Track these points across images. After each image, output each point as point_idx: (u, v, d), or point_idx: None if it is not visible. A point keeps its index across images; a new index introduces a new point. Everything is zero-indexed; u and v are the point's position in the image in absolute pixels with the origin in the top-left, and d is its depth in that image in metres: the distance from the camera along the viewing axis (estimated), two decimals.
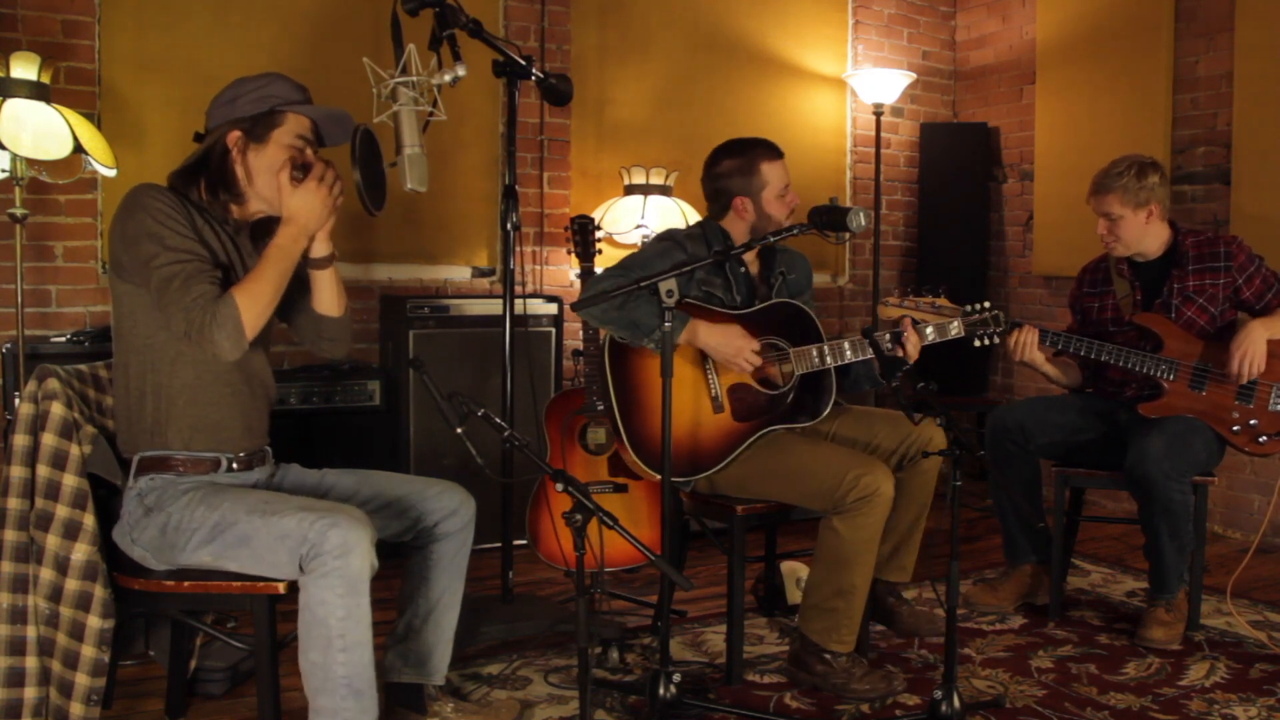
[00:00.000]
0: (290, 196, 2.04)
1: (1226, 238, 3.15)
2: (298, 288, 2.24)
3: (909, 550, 2.87)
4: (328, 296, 2.26)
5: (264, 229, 2.17)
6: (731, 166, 2.83)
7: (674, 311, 2.54)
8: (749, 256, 2.88)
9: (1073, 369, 3.32)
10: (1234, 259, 3.10)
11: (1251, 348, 2.99)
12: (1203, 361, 3.07)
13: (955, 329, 2.88)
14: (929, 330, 2.84)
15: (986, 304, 2.93)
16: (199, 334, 1.95)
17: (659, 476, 2.60)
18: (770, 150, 2.83)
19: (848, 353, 2.75)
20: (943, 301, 2.93)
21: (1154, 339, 3.12)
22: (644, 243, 4.02)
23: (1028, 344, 3.06)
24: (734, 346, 2.64)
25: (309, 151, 2.13)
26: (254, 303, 1.98)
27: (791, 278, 2.94)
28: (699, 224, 2.92)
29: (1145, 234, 3.13)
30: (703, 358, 2.72)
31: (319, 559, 1.87)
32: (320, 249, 2.18)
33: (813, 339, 2.79)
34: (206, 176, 2.10)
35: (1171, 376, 3.07)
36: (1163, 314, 3.13)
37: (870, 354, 2.73)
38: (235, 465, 2.13)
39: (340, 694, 1.90)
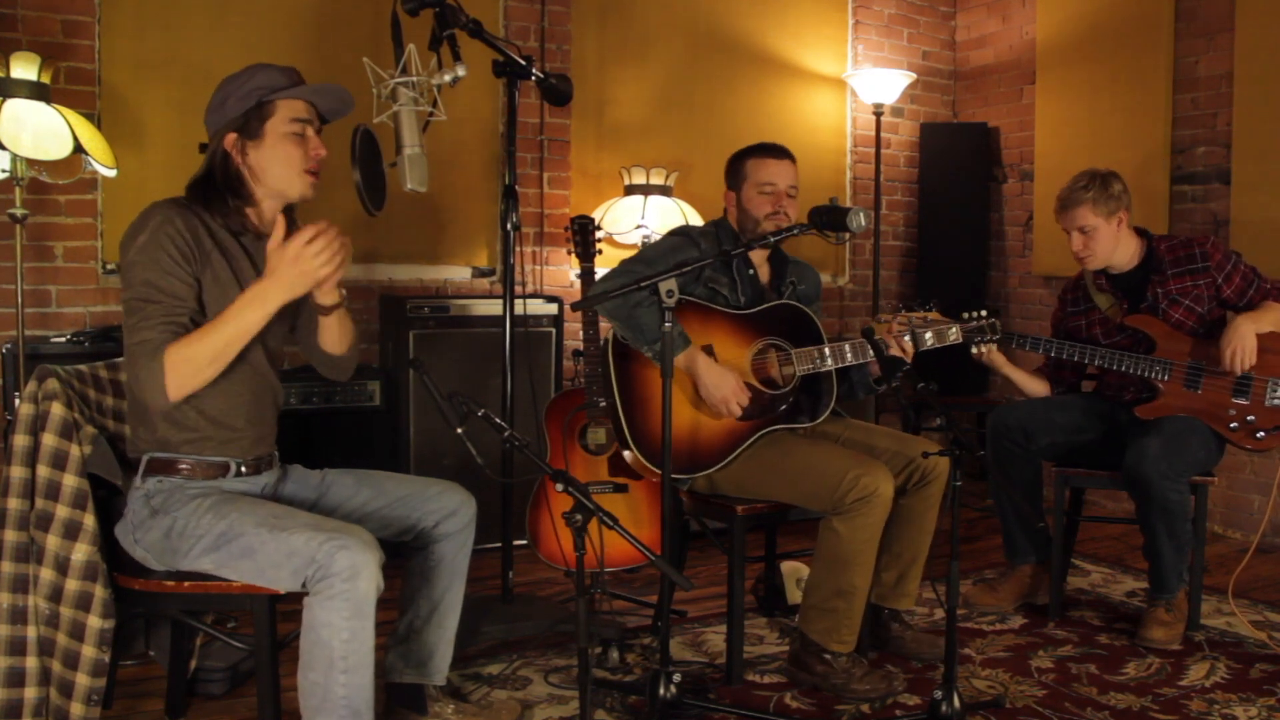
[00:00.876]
0: (273, 251, 1.96)
1: (1200, 239, 3.16)
2: (308, 319, 2.25)
3: (913, 578, 2.87)
4: (332, 338, 2.24)
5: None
6: (729, 163, 2.93)
7: (677, 322, 2.57)
8: (759, 261, 2.91)
9: (1041, 384, 3.35)
10: (1210, 258, 3.10)
11: (1240, 341, 2.99)
12: (1196, 360, 3.07)
13: (954, 335, 2.92)
14: (927, 336, 2.85)
15: (983, 312, 2.96)
16: (131, 378, 1.93)
17: (659, 473, 2.61)
18: (764, 150, 2.88)
19: (848, 355, 2.76)
20: (934, 315, 2.95)
21: (1147, 341, 3.12)
22: (644, 242, 4.03)
23: (989, 350, 3.08)
24: (721, 394, 2.65)
25: (310, 132, 2.10)
26: (184, 365, 1.91)
27: (801, 289, 2.97)
28: (713, 222, 2.95)
29: (1117, 243, 3.15)
30: (707, 355, 2.72)
31: (326, 581, 1.86)
32: (326, 298, 2.15)
33: (814, 342, 2.80)
34: (215, 186, 2.08)
35: (1166, 376, 3.08)
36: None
37: (868, 358, 2.75)
38: (244, 469, 2.13)
39: (339, 714, 1.90)
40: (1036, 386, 3.35)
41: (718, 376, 2.65)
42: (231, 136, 2.07)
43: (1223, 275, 3.10)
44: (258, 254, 2.12)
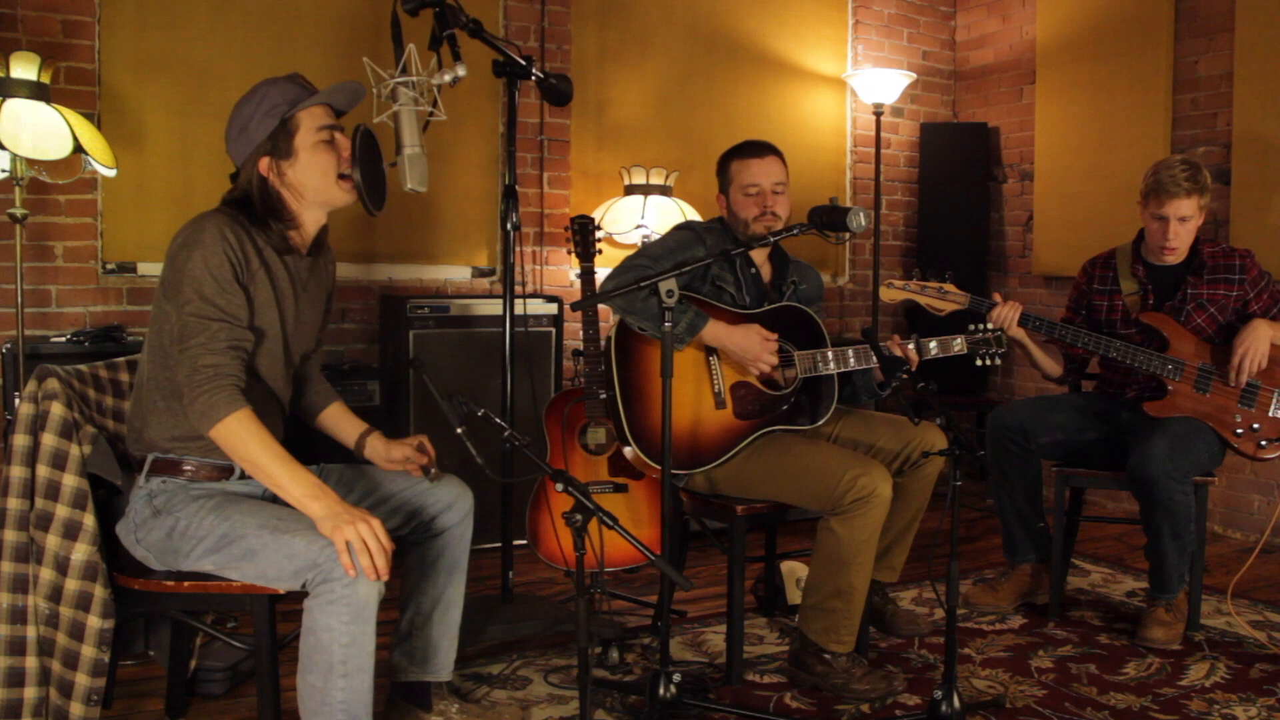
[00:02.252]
0: (334, 520, 1.89)
1: (1241, 251, 3.16)
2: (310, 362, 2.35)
3: (900, 551, 2.89)
4: (331, 433, 2.38)
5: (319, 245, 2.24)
6: (718, 165, 2.92)
7: (684, 309, 2.57)
8: (761, 260, 2.91)
9: (1055, 353, 3.32)
10: (1248, 272, 3.11)
11: (1254, 345, 2.99)
12: (1208, 364, 3.07)
13: (959, 346, 2.90)
14: (932, 345, 2.86)
15: (988, 325, 2.93)
16: (190, 396, 1.93)
17: (658, 468, 2.61)
18: (746, 150, 2.86)
19: (851, 359, 2.76)
20: (949, 287, 2.92)
21: (1159, 339, 3.12)
22: (644, 242, 4.03)
23: (1010, 318, 3.03)
24: (753, 352, 2.67)
25: (338, 136, 2.12)
26: (233, 438, 1.92)
27: (803, 288, 2.97)
28: (717, 218, 2.96)
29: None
30: (708, 353, 2.73)
31: (327, 584, 1.86)
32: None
33: (817, 344, 2.80)
34: (255, 211, 2.08)
35: (1177, 377, 3.07)
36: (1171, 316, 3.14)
37: (870, 363, 2.75)
38: (246, 473, 2.12)
39: (337, 719, 1.89)
40: (1050, 363, 3.32)
41: (740, 338, 2.68)
42: (265, 160, 2.07)
43: (1255, 291, 3.11)
44: (298, 273, 2.15)
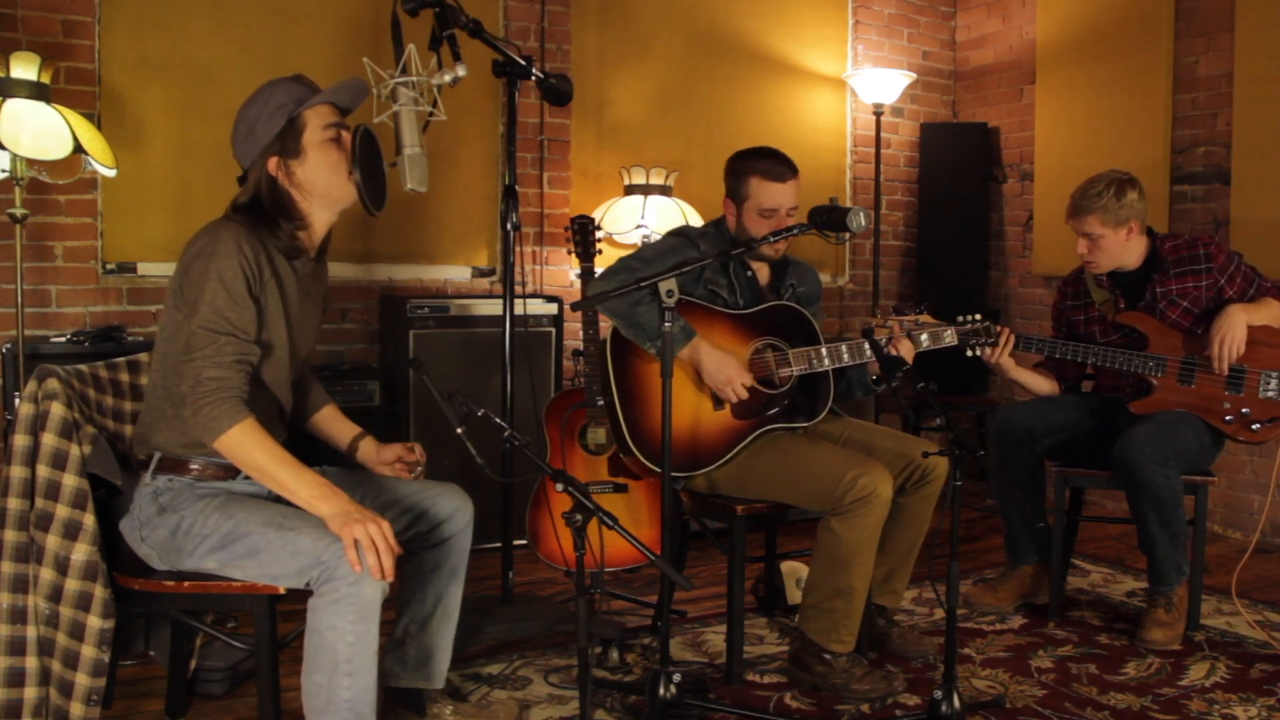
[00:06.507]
0: (344, 519, 1.89)
1: (1204, 239, 3.15)
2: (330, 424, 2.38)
3: (901, 576, 2.88)
4: (324, 435, 2.40)
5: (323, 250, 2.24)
6: (733, 168, 2.85)
7: (678, 318, 2.56)
8: (758, 264, 2.89)
9: (1049, 382, 3.33)
10: (1214, 260, 3.10)
11: (1230, 331, 2.98)
12: (1189, 355, 3.08)
13: (949, 337, 2.91)
14: (923, 337, 2.85)
15: (978, 315, 2.95)
16: (192, 408, 1.93)
17: (658, 471, 2.61)
18: (774, 170, 2.77)
19: (845, 356, 2.76)
20: (925, 318, 2.94)
21: (1140, 338, 3.13)
22: (644, 242, 4.03)
23: (1001, 352, 3.06)
24: (725, 375, 2.65)
25: (344, 134, 2.12)
26: (238, 448, 1.93)
27: (801, 290, 2.96)
28: (712, 222, 2.94)
29: (1125, 250, 3.14)
30: None
31: (331, 583, 1.86)
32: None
33: (811, 343, 2.80)
34: (265, 212, 2.07)
35: (1160, 373, 3.08)
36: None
37: (865, 358, 2.75)
38: None
39: (343, 716, 1.89)
40: (1044, 385, 3.33)
41: (719, 360, 2.66)
42: (273, 160, 2.07)
43: (1225, 276, 3.09)
44: (304, 277, 2.15)
